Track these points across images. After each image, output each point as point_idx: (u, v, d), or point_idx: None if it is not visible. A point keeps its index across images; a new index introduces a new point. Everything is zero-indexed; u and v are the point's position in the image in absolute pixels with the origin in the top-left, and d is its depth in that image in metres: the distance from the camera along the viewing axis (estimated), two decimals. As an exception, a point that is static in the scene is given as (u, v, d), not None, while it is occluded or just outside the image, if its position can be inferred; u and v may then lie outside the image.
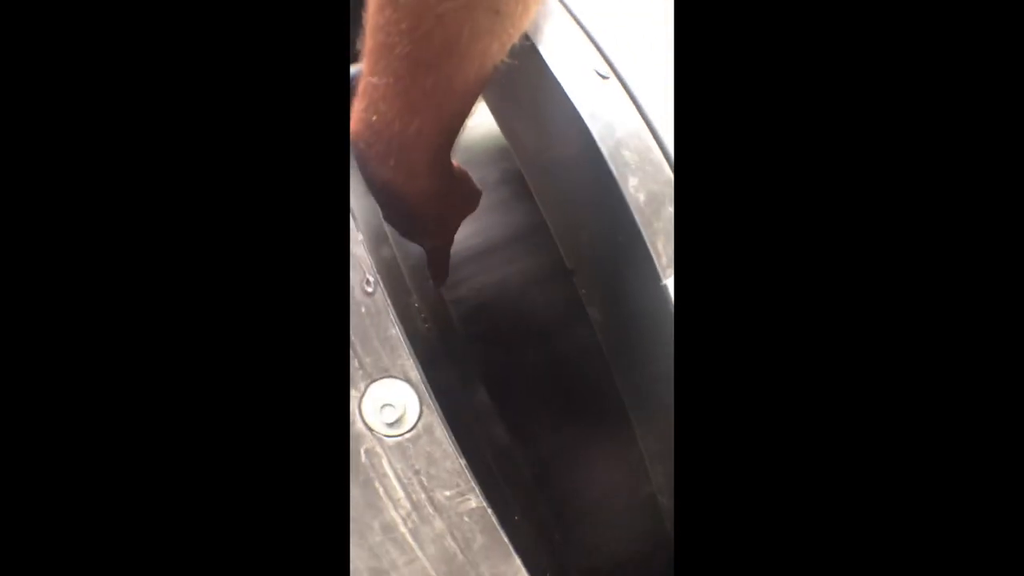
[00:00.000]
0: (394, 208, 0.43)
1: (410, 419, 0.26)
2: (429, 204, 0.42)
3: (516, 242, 0.67)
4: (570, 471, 0.60)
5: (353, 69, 0.35)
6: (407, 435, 0.26)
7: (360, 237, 0.27)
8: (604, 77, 0.37)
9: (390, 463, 0.27)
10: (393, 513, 0.27)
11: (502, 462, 0.59)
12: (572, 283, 0.50)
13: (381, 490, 0.27)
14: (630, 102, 0.37)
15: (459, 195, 0.48)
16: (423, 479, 0.27)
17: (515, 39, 0.35)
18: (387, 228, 0.64)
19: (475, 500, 0.27)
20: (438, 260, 0.55)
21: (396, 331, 0.26)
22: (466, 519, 0.27)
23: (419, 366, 0.27)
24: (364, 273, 0.27)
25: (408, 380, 0.27)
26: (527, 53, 0.41)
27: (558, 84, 0.39)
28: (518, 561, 0.28)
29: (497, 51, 0.34)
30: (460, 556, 0.27)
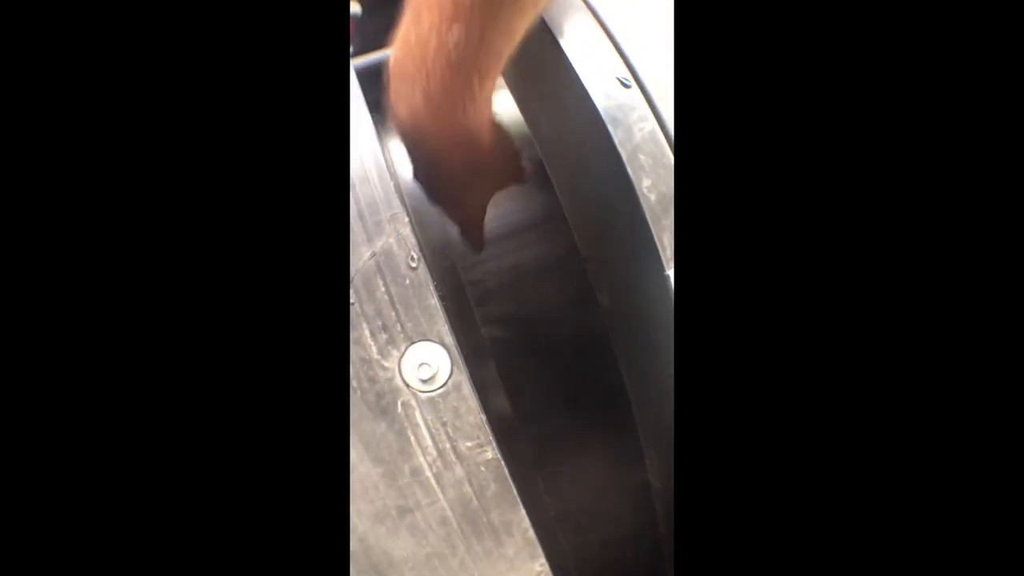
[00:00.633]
0: (423, 159, 0.38)
1: (442, 377, 0.30)
2: (463, 154, 0.37)
3: (533, 229, 0.70)
4: (568, 451, 0.64)
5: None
6: (438, 391, 0.31)
7: (407, 219, 0.31)
8: (627, 86, 0.40)
9: (422, 415, 0.31)
10: (421, 459, 0.31)
11: (503, 436, 0.62)
12: (584, 272, 0.54)
13: (412, 438, 0.31)
14: (649, 109, 0.41)
15: (499, 156, 0.42)
16: (449, 430, 0.31)
17: None
18: (407, 207, 0.67)
19: (491, 452, 0.31)
20: (472, 233, 0.50)
21: (434, 301, 0.30)
22: (482, 468, 0.31)
23: (452, 332, 0.31)
24: (410, 250, 0.31)
25: (443, 343, 0.31)
26: (551, 51, 0.44)
27: (583, 89, 0.42)
28: (523, 511, 0.32)
29: None
30: (475, 502, 0.31)
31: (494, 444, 0.31)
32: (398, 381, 0.30)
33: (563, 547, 0.59)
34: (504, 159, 0.47)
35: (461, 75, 0.33)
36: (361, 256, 0.31)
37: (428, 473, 0.31)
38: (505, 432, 0.62)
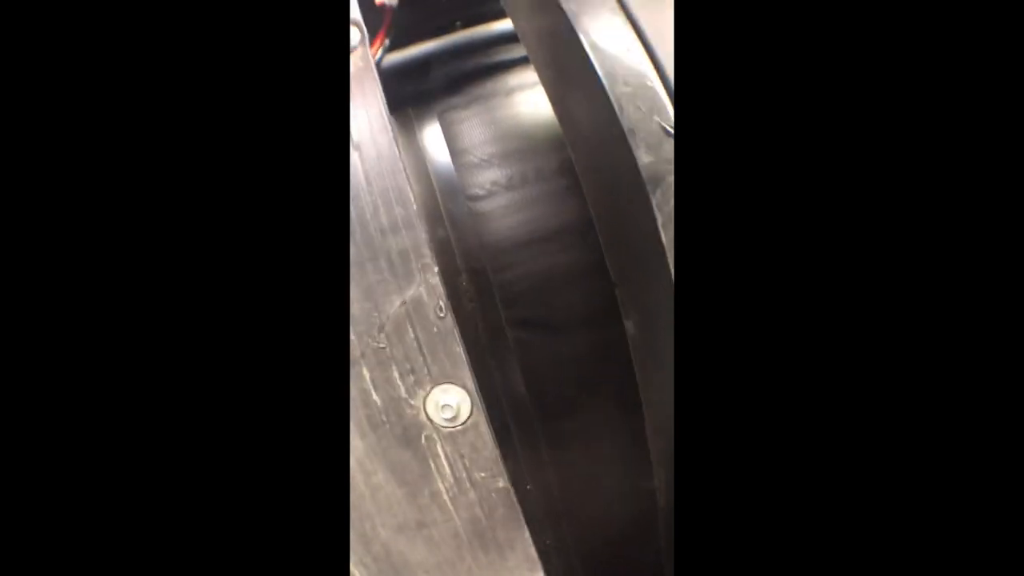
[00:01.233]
0: None
1: (463, 416, 0.33)
2: None
3: (566, 234, 0.70)
4: (580, 453, 0.66)
5: None
6: (459, 428, 0.33)
7: (431, 260, 0.33)
8: (669, 134, 0.40)
9: (442, 447, 0.34)
10: (440, 484, 0.34)
11: (522, 432, 0.65)
12: (613, 283, 0.54)
13: (433, 466, 0.34)
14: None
15: None
16: (466, 462, 0.34)
17: None
18: (443, 210, 0.68)
19: (503, 482, 0.34)
20: None
21: (459, 349, 0.33)
22: (493, 495, 0.34)
23: (474, 378, 0.33)
24: (438, 300, 0.33)
25: (465, 387, 0.33)
26: (583, 55, 0.44)
27: (610, 104, 0.42)
28: (526, 532, 0.35)
29: None
30: (484, 521, 0.34)
31: (505, 476, 0.34)
32: (423, 417, 0.33)
33: (568, 545, 0.62)
34: None
35: None
36: (393, 303, 0.33)
37: (445, 497, 0.34)
38: (525, 426, 0.65)
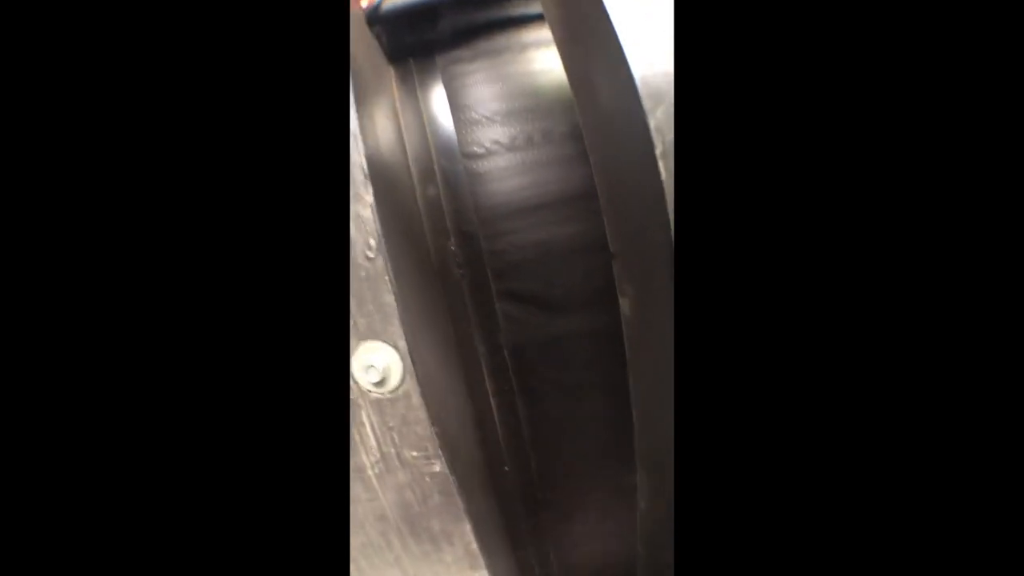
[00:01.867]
0: None
1: (392, 382, 0.27)
2: None
3: (570, 203, 0.65)
4: (565, 438, 0.61)
5: None
6: (386, 395, 0.27)
7: (370, 199, 0.27)
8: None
9: (368, 415, 0.28)
10: (364, 457, 0.28)
11: (504, 413, 0.61)
12: (611, 254, 0.49)
13: (356, 436, 0.28)
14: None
15: None
16: (394, 436, 0.28)
17: None
18: (436, 167, 0.63)
19: (439, 466, 0.28)
20: None
21: (391, 298, 0.27)
22: (427, 479, 0.29)
23: (410, 334, 0.28)
24: (368, 238, 0.27)
25: (395, 347, 0.27)
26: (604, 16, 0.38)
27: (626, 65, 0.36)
28: (467, 526, 0.29)
29: None
30: (416, 507, 0.29)
31: (443, 459, 0.28)
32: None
33: (545, 533, 0.58)
34: None
35: None
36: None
37: (370, 472, 0.29)
38: (507, 407, 0.60)
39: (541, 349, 0.61)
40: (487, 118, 0.66)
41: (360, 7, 0.67)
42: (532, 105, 0.65)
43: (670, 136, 0.31)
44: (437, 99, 0.68)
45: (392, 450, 0.28)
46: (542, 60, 0.68)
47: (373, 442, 0.28)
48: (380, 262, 0.27)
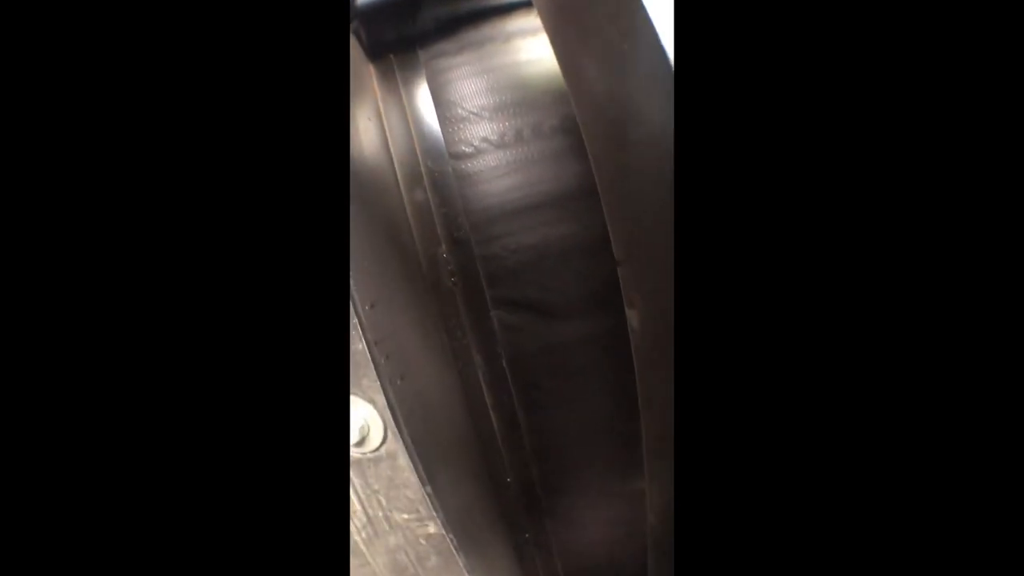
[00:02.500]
0: None
1: (374, 441, 0.24)
2: None
3: (564, 202, 0.61)
4: (568, 447, 0.59)
5: None
6: (368, 455, 0.24)
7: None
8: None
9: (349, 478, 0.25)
10: (349, 522, 0.25)
11: (505, 425, 0.58)
12: (615, 260, 0.46)
13: (337, 501, 0.25)
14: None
15: None
16: (381, 499, 0.24)
17: None
18: (423, 169, 0.60)
19: (434, 527, 0.25)
20: None
21: (362, 346, 0.23)
22: (422, 541, 0.25)
23: (390, 387, 0.24)
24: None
25: (372, 402, 0.24)
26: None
27: (656, 41, 0.32)
28: (471, 580, 0.26)
29: None
30: (411, 569, 0.26)
31: (439, 519, 0.25)
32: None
33: (549, 541, 0.55)
34: None
35: None
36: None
37: (357, 537, 0.25)
38: (508, 420, 0.57)
39: (540, 357, 0.59)
40: (474, 114, 0.63)
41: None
42: (520, 98, 0.62)
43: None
44: (421, 96, 0.64)
45: (380, 513, 0.25)
46: (529, 49, 0.64)
47: (357, 506, 0.25)
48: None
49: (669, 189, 0.34)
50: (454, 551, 0.25)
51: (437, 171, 0.64)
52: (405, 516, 0.25)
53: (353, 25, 0.66)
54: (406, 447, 0.24)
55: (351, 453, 0.24)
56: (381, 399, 0.23)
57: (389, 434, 0.24)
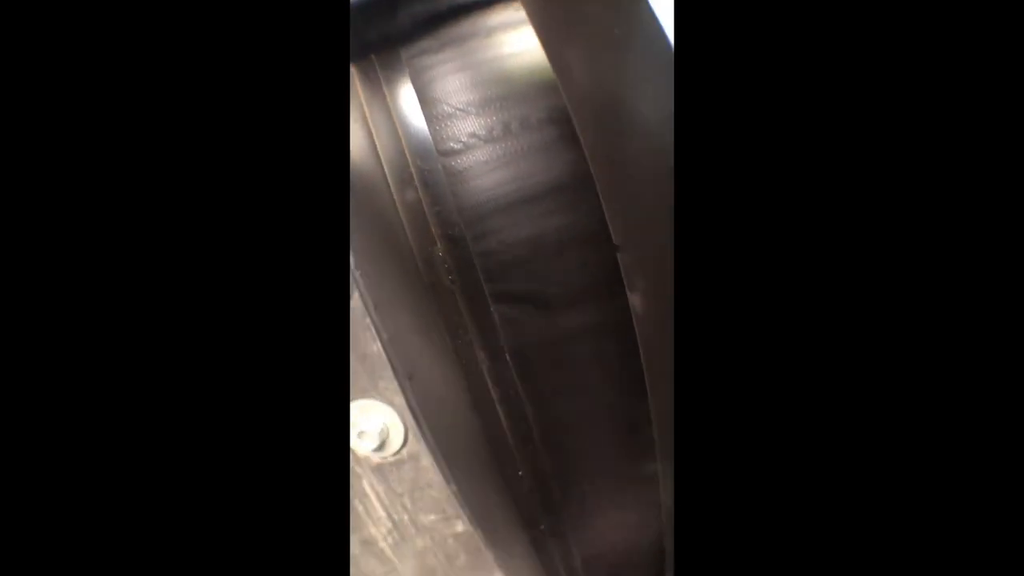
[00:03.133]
0: None
1: (394, 444, 0.23)
2: None
3: (557, 193, 0.62)
4: (577, 437, 0.59)
5: None
6: (390, 459, 0.24)
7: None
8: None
9: (370, 484, 0.24)
10: (372, 529, 0.25)
11: (514, 419, 0.58)
12: (615, 246, 0.46)
13: (360, 508, 0.24)
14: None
15: None
16: (406, 502, 0.24)
17: None
18: (413, 169, 0.60)
19: (461, 525, 0.24)
20: None
21: (377, 347, 0.23)
22: (450, 540, 0.25)
23: (412, 393, 0.24)
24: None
25: (392, 404, 0.23)
26: None
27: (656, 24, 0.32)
28: (499, 574, 0.26)
29: None
30: (441, 571, 0.25)
31: (465, 517, 0.24)
32: (338, 444, 0.24)
33: (565, 533, 0.56)
34: None
35: None
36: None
37: (383, 544, 0.25)
38: (516, 413, 0.58)
39: (543, 350, 0.59)
40: (461, 110, 0.63)
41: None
42: (506, 92, 0.62)
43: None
44: (406, 95, 0.64)
45: (405, 517, 0.24)
46: (511, 43, 0.64)
47: (381, 512, 0.24)
48: (357, 301, 0.23)
49: (665, 170, 0.34)
50: (483, 547, 0.25)
51: (427, 170, 0.64)
52: (432, 517, 0.25)
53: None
54: (428, 446, 0.23)
55: (372, 459, 0.23)
56: (400, 400, 0.23)
57: (410, 435, 0.23)
